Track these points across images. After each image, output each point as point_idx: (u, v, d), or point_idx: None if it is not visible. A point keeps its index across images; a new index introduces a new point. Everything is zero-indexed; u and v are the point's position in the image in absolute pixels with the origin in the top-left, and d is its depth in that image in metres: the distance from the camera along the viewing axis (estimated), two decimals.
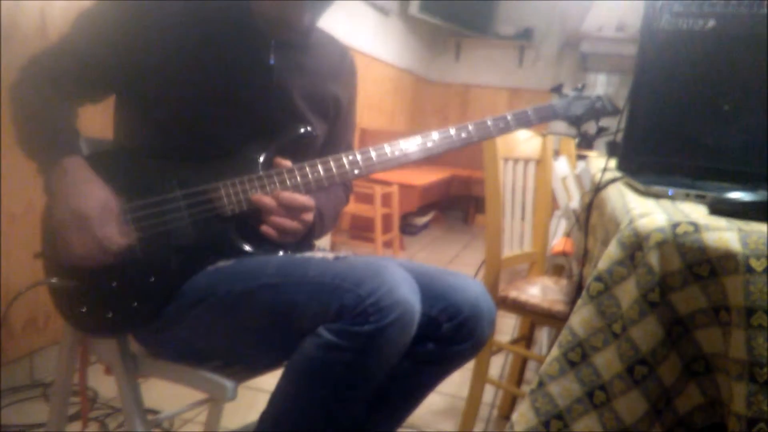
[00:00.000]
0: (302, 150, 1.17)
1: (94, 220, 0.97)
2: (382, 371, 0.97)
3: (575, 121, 1.27)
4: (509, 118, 1.20)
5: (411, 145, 1.14)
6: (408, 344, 0.97)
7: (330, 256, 1.02)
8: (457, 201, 6.09)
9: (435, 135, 1.16)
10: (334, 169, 1.10)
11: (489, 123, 1.19)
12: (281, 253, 1.12)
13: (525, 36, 5.99)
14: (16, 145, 1.07)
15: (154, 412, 1.74)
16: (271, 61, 1.13)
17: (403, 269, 1.00)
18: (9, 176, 1.70)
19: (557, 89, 1.30)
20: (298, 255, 1.07)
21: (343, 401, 0.97)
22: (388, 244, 3.93)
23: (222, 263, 1.06)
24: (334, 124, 1.27)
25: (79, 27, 1.09)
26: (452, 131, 1.17)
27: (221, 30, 1.11)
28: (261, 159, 1.10)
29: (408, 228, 4.99)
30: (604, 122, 1.30)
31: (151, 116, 1.09)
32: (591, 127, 1.30)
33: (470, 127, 1.17)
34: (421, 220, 5.21)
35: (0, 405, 1.74)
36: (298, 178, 1.09)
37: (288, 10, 1.11)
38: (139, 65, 1.07)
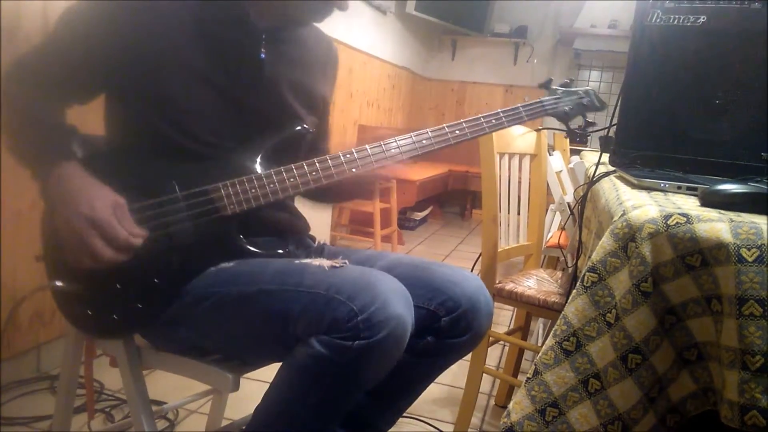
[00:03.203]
0: (296, 144, 1.18)
1: (113, 221, 0.96)
2: (371, 382, 0.98)
3: (563, 117, 1.29)
4: (501, 115, 1.22)
5: (406, 142, 1.16)
6: (400, 356, 0.97)
7: (326, 264, 1.01)
8: (454, 196, 6.11)
9: (429, 132, 1.17)
10: (331, 168, 1.11)
11: (482, 120, 1.20)
12: (280, 251, 1.13)
13: (519, 34, 6.00)
14: (8, 152, 1.04)
15: (159, 403, 1.75)
16: (262, 56, 1.13)
17: (396, 281, 1.00)
18: (13, 173, 1.70)
19: (546, 85, 1.31)
20: (296, 261, 1.07)
21: (332, 405, 0.99)
22: (386, 239, 3.95)
23: (224, 265, 1.07)
24: (323, 115, 1.29)
25: (63, 26, 1.05)
26: (446, 128, 1.18)
27: (212, 26, 1.09)
28: (258, 157, 1.10)
29: (406, 222, 5.01)
30: (592, 117, 1.31)
31: (142, 116, 1.08)
32: (579, 122, 1.32)
33: (464, 124, 1.19)
34: (419, 215, 5.23)
35: (3, 398, 1.76)
36: (297, 177, 1.09)
37: (290, 10, 1.11)
38: (128, 64, 1.04)
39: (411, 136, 1.16)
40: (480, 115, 1.21)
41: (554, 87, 1.30)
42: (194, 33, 1.07)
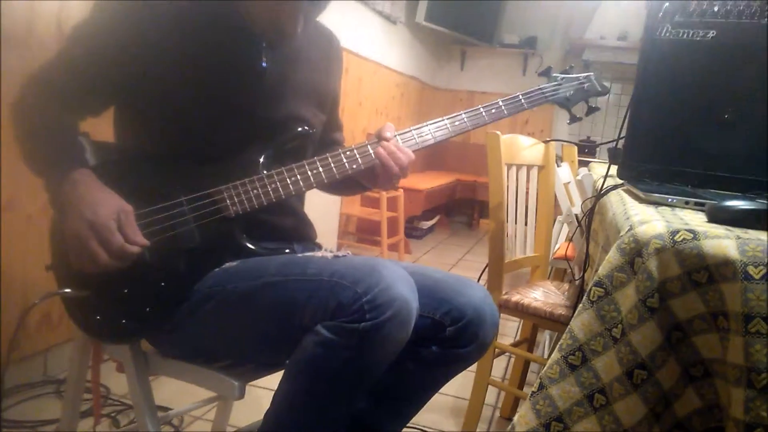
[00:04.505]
0: (300, 144, 1.19)
1: (111, 226, 0.98)
2: (380, 367, 0.98)
3: (565, 103, 1.28)
4: (501, 104, 1.22)
5: (406, 138, 1.16)
6: (406, 340, 0.97)
7: (329, 255, 1.04)
8: (461, 205, 6.11)
9: (429, 126, 1.17)
10: (332, 166, 1.12)
11: (482, 110, 1.21)
12: (287, 251, 1.15)
13: (529, 44, 6.00)
14: (22, 162, 1.06)
15: (165, 409, 1.76)
16: (264, 64, 1.14)
17: (400, 267, 1.01)
18: (22, 176, 1.72)
19: (546, 73, 1.29)
20: (299, 255, 1.09)
21: (342, 397, 0.99)
22: (393, 248, 3.95)
23: (228, 264, 1.08)
24: (333, 109, 1.30)
25: (74, 40, 1.09)
26: (446, 120, 1.18)
27: (214, 35, 1.11)
28: (261, 160, 1.12)
29: (413, 231, 5.00)
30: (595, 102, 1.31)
31: (149, 124, 1.10)
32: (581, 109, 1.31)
33: (463, 116, 1.19)
34: (427, 224, 5.23)
35: (10, 401, 1.76)
36: (298, 176, 1.11)
37: (281, 16, 1.11)
38: (135, 74, 1.07)
39: (411, 132, 1.17)
40: (480, 106, 1.21)
41: (554, 74, 1.29)
42: (197, 45, 1.09)
